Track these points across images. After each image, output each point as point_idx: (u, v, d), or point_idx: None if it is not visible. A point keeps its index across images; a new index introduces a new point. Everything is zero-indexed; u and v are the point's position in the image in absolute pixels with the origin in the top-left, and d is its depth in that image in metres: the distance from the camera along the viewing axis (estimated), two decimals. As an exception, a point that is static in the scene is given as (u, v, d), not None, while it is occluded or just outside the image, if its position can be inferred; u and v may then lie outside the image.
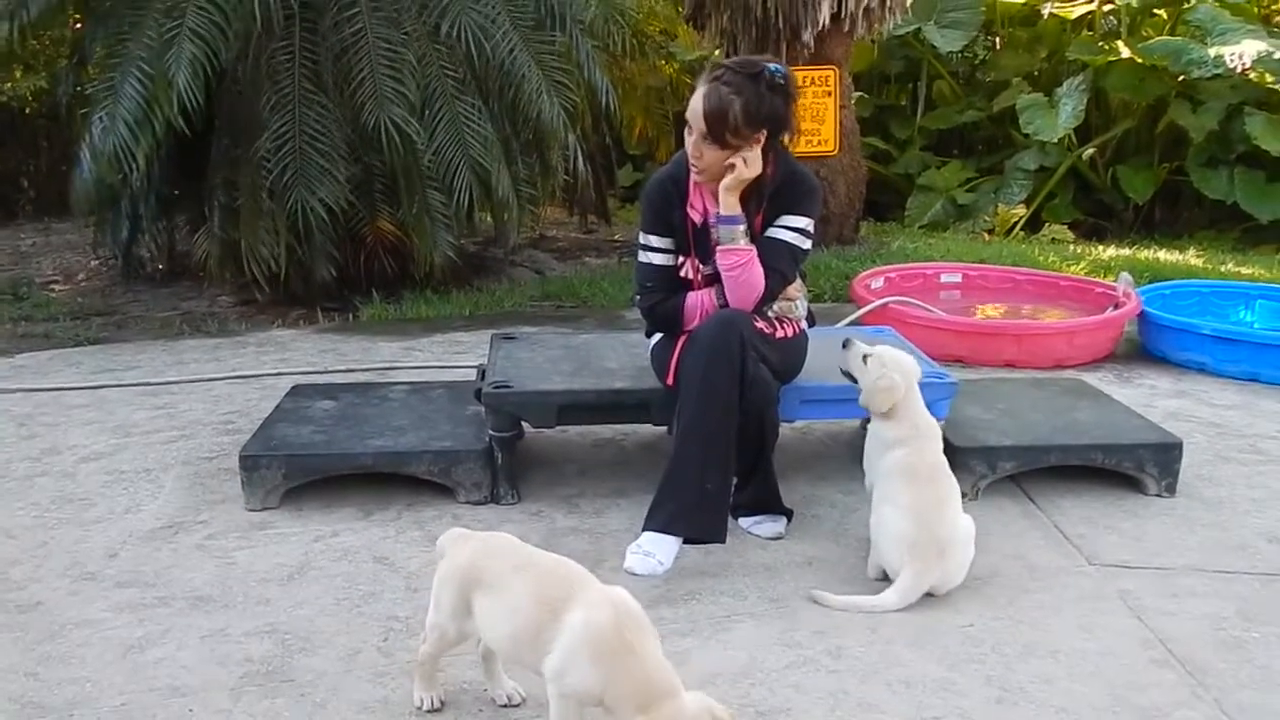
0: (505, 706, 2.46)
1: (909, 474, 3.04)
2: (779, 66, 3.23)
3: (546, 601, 2.20)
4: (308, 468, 3.58)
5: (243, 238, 6.19)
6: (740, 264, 3.26)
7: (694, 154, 3.25)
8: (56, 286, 7.59)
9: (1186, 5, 11.33)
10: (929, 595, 2.98)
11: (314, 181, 6.04)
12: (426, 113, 6.28)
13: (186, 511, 3.56)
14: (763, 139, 3.21)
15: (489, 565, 2.32)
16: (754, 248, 3.28)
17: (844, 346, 3.29)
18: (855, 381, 3.23)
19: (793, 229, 3.34)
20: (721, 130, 3.16)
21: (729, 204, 3.26)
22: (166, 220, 7.43)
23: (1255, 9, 11.50)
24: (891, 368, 3.14)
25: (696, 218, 3.37)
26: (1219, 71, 10.12)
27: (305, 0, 6.19)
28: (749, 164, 3.22)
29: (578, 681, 2.11)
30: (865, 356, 3.19)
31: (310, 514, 3.53)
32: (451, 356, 5.45)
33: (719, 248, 3.29)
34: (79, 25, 7.66)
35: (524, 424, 3.67)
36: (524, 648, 2.22)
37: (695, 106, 3.19)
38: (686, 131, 3.27)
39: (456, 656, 2.58)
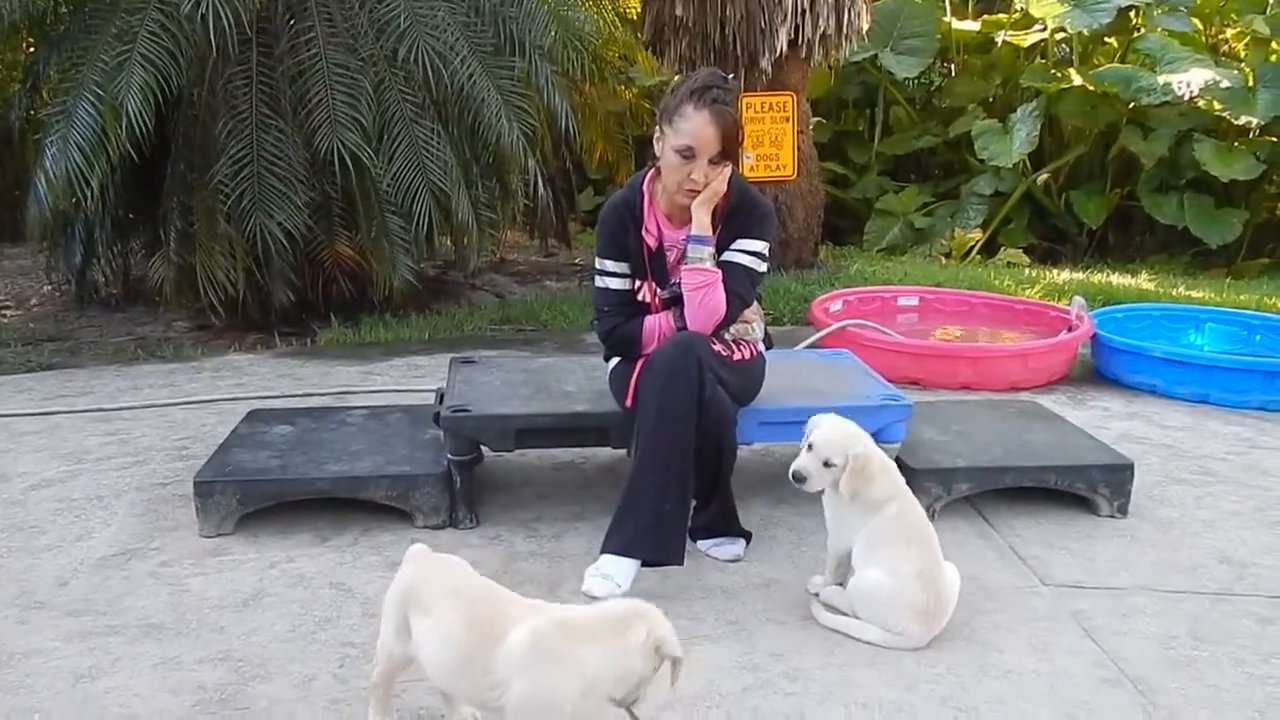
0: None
1: (905, 535, 2.93)
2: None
3: (481, 627, 2.19)
4: (263, 493, 3.55)
5: (199, 262, 6.13)
6: (705, 284, 3.28)
7: (697, 179, 3.25)
8: (8, 312, 7.48)
9: (1136, 34, 11.56)
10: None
11: (271, 206, 6.01)
12: (385, 137, 6.27)
13: (139, 539, 3.51)
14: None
15: (426, 585, 2.30)
16: (719, 271, 3.31)
17: (798, 481, 2.99)
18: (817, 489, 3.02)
19: (749, 252, 3.37)
20: (734, 147, 3.25)
21: (702, 223, 3.29)
22: (121, 245, 7.37)
23: (1203, 38, 11.75)
24: (846, 444, 2.95)
25: (652, 241, 3.39)
26: (1168, 99, 10.34)
27: (261, 25, 6.17)
28: (723, 178, 3.29)
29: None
30: (825, 462, 2.95)
31: (265, 540, 3.49)
32: (410, 380, 5.43)
33: (685, 266, 3.31)
34: (32, 49, 7.60)
35: (482, 448, 3.67)
36: (457, 677, 2.23)
37: (706, 133, 3.19)
38: (680, 160, 3.24)
39: (412, 683, 2.56)
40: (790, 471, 2.99)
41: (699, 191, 3.27)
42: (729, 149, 3.23)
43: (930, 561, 2.93)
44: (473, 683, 2.19)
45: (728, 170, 3.29)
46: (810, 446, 2.98)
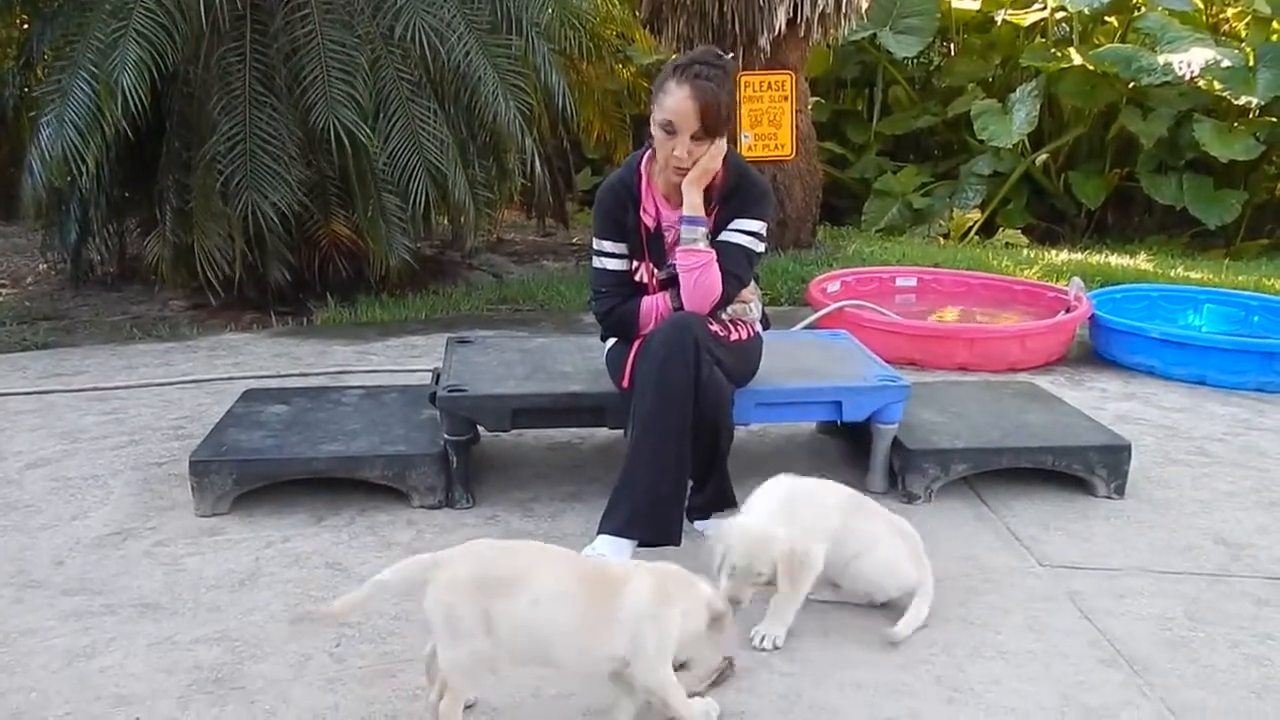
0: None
1: (850, 508, 2.93)
2: (724, 53, 3.31)
3: (593, 581, 2.28)
4: (259, 473, 3.54)
5: (195, 240, 6.11)
6: (699, 265, 3.26)
7: (680, 156, 3.21)
8: (3, 290, 7.46)
9: (1136, 13, 11.51)
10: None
11: (265, 184, 5.98)
12: (381, 115, 6.24)
13: (135, 518, 3.51)
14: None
15: (497, 565, 2.28)
16: (714, 251, 3.29)
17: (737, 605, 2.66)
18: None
19: (746, 232, 3.35)
20: (716, 124, 3.18)
21: (694, 204, 3.27)
22: (117, 223, 7.33)
23: (1203, 18, 11.70)
24: (767, 552, 2.65)
25: (650, 222, 3.37)
26: (1168, 79, 10.31)
27: (255, 2, 6.13)
28: (715, 156, 3.25)
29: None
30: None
31: (261, 520, 3.48)
32: (407, 360, 5.42)
33: (679, 248, 3.29)
34: (26, 26, 7.55)
35: (479, 428, 3.66)
36: (577, 635, 2.25)
37: (684, 107, 3.15)
38: (664, 135, 3.21)
39: (409, 661, 2.57)
40: (726, 601, 2.53)
41: (686, 169, 3.25)
42: (710, 125, 3.17)
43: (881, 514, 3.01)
44: (594, 637, 2.23)
45: (717, 148, 3.25)
46: (733, 571, 2.67)
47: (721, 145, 3.26)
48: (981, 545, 3.40)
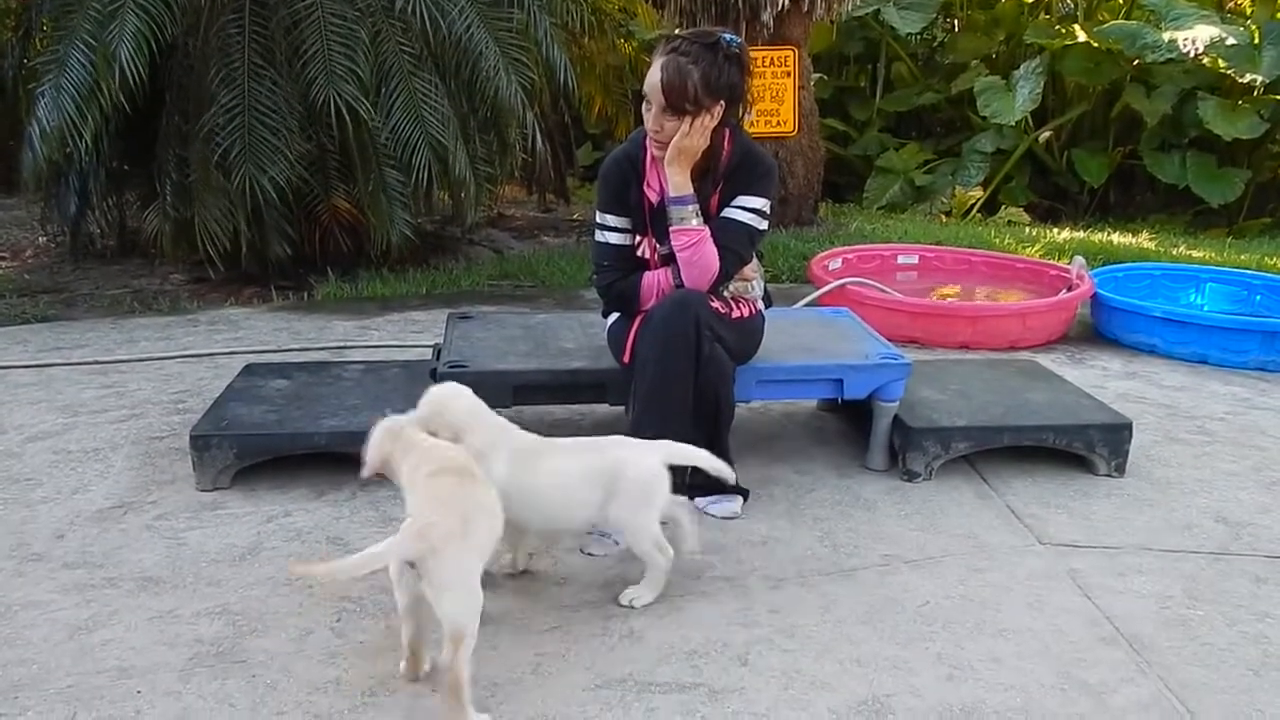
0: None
1: None
2: (734, 36, 3.25)
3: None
4: (260, 447, 3.54)
5: (195, 215, 6.08)
6: (692, 244, 3.25)
7: (654, 128, 3.23)
8: (3, 263, 7.44)
9: (1142, -11, 11.46)
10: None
11: (264, 159, 5.93)
12: (382, 89, 6.19)
13: (136, 491, 3.51)
14: (720, 110, 3.20)
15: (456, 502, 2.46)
16: (706, 227, 3.28)
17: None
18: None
19: (749, 209, 3.34)
20: (681, 101, 3.15)
21: (677, 183, 3.25)
22: (117, 196, 7.29)
23: (1208, -6, 11.64)
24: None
25: (654, 197, 3.36)
26: (1173, 56, 10.26)
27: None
28: (693, 134, 3.20)
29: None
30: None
31: (262, 494, 3.49)
32: (407, 336, 5.41)
33: (671, 227, 3.28)
34: (26, -4, 7.49)
35: (479, 404, 3.65)
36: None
37: (653, 79, 3.17)
38: (645, 107, 3.24)
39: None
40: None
41: (661, 142, 3.24)
42: (674, 102, 3.15)
43: None
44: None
45: (698, 127, 3.20)
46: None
47: (704, 124, 3.20)
48: (982, 523, 3.40)
